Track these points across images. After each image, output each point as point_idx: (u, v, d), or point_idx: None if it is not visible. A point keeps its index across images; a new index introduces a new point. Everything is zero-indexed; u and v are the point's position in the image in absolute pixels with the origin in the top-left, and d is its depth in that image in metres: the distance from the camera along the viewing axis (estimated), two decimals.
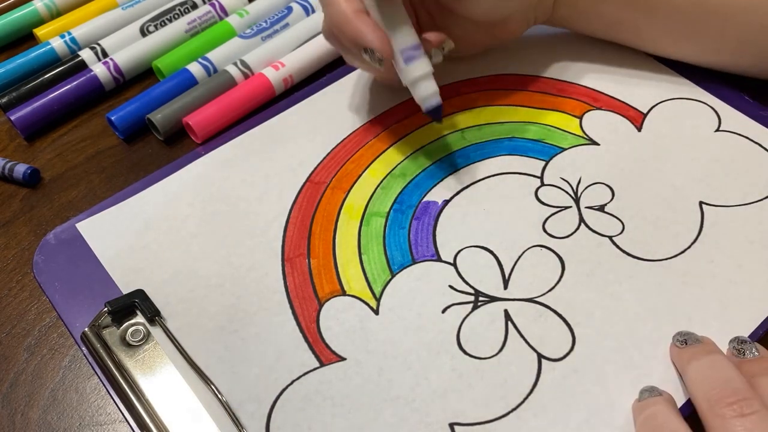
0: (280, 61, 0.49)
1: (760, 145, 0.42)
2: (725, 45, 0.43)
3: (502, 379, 0.34)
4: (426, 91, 0.39)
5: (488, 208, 0.40)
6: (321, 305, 0.37)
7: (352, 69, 0.48)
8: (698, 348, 0.32)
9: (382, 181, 0.42)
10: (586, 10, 0.44)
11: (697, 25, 0.42)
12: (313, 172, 0.43)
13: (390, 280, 0.37)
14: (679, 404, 0.32)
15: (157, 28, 0.52)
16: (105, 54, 0.51)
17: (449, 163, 0.43)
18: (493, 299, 0.36)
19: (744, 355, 0.31)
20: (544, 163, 0.42)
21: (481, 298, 0.36)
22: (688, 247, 0.38)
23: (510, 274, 0.37)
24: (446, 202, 0.41)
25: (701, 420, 0.29)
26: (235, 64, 0.49)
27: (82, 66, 0.50)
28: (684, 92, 0.46)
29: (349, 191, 0.42)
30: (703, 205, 0.40)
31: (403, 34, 0.38)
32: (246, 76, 0.49)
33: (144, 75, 0.51)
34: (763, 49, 0.42)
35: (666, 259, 0.38)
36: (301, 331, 0.36)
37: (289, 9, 0.53)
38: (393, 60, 0.39)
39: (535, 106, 0.46)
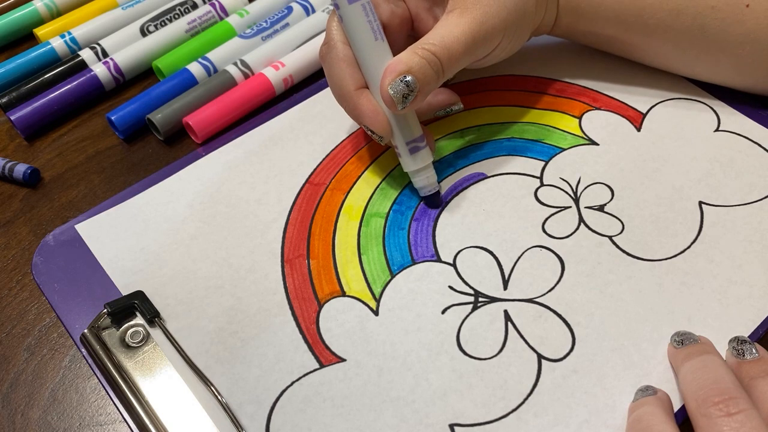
0: (280, 61, 0.49)
1: (760, 145, 0.42)
2: (720, 71, 0.43)
3: (502, 379, 0.34)
4: (427, 181, 0.40)
5: (488, 208, 0.40)
6: (321, 306, 0.37)
7: None
8: (693, 348, 0.32)
9: (381, 182, 0.42)
10: (584, 31, 0.44)
11: (694, 53, 0.42)
12: (312, 173, 0.43)
13: (390, 280, 0.37)
14: (678, 405, 0.32)
15: (157, 28, 0.52)
16: (105, 54, 0.51)
17: (448, 163, 0.43)
18: (492, 300, 0.36)
19: (743, 355, 0.31)
20: (543, 163, 0.42)
21: (480, 299, 0.37)
22: (688, 247, 0.38)
23: (510, 275, 0.37)
24: (445, 203, 0.41)
25: (690, 420, 0.29)
26: (235, 64, 0.49)
27: (82, 66, 0.50)
28: (683, 92, 0.46)
29: (348, 192, 0.42)
30: (703, 205, 0.40)
31: (409, 126, 0.39)
32: (246, 76, 0.49)
33: (144, 75, 0.52)
34: (757, 79, 0.42)
35: (666, 259, 0.38)
36: (301, 332, 0.36)
37: (289, 9, 0.53)
38: (393, 145, 0.40)
39: (534, 107, 0.46)
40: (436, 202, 0.41)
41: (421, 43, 0.37)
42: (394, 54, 0.37)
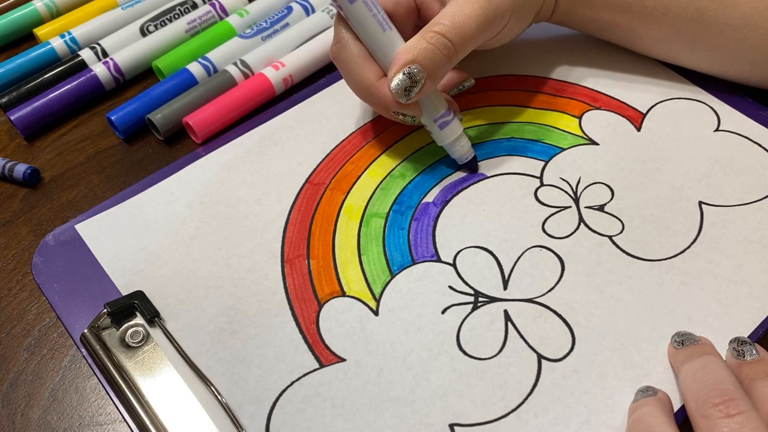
0: (280, 61, 0.49)
1: (760, 145, 0.42)
2: (718, 57, 0.43)
3: (502, 379, 0.34)
4: (463, 150, 0.41)
5: (488, 208, 0.40)
6: (321, 306, 0.37)
7: None
8: (693, 349, 0.32)
9: (381, 182, 0.42)
10: (582, 15, 0.44)
11: (691, 36, 0.42)
12: (312, 173, 0.43)
13: (390, 280, 0.37)
14: (678, 405, 0.32)
15: (157, 28, 0.52)
16: (105, 54, 0.51)
17: (449, 163, 0.43)
18: (492, 300, 0.36)
19: (744, 356, 0.31)
20: (543, 163, 0.42)
21: (480, 299, 0.37)
22: (688, 247, 0.38)
23: (510, 275, 0.37)
24: (445, 203, 0.41)
25: (690, 421, 0.29)
26: (235, 64, 0.49)
27: (82, 66, 0.50)
28: (683, 92, 0.46)
29: (348, 192, 0.42)
30: (703, 205, 0.40)
31: (433, 103, 0.39)
32: (246, 76, 0.49)
33: (144, 75, 0.52)
34: (756, 64, 0.42)
35: (666, 259, 0.38)
36: (301, 332, 0.36)
37: (289, 9, 0.53)
38: (422, 124, 0.40)
39: (534, 107, 0.46)
40: (475, 167, 0.42)
41: (431, 25, 0.37)
42: (406, 40, 0.38)
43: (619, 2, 0.42)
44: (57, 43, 0.51)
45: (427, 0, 0.41)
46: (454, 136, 0.40)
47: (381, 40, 0.37)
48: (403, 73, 0.36)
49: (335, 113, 0.46)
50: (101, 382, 0.35)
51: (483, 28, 0.38)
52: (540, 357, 0.34)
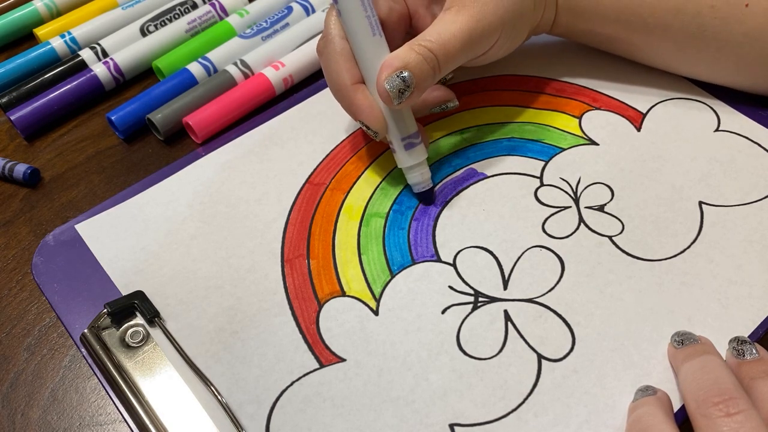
0: (280, 61, 0.49)
1: (760, 145, 0.42)
2: (719, 70, 0.43)
3: (502, 379, 0.34)
4: (421, 177, 0.40)
5: (488, 208, 0.40)
6: (321, 306, 0.37)
7: None
8: (693, 348, 0.32)
9: (381, 182, 0.42)
10: (582, 29, 0.44)
11: (692, 51, 0.42)
12: (312, 173, 0.43)
13: (390, 280, 0.37)
14: (678, 405, 0.32)
15: (157, 28, 0.52)
16: (105, 54, 0.51)
17: (448, 163, 0.43)
18: (492, 300, 0.36)
19: (743, 355, 0.31)
20: (543, 163, 0.42)
21: (480, 299, 0.36)
22: (688, 247, 0.38)
23: (510, 275, 0.37)
24: (445, 203, 0.41)
25: (690, 420, 0.29)
26: (235, 64, 0.49)
27: (82, 66, 0.50)
28: (683, 92, 0.46)
29: (348, 192, 0.42)
30: (703, 205, 0.40)
31: (405, 121, 0.39)
32: (246, 76, 0.49)
33: (144, 75, 0.52)
34: (757, 77, 0.42)
35: (666, 259, 0.38)
36: (301, 332, 0.36)
37: (289, 9, 0.53)
38: (388, 141, 0.40)
39: (534, 107, 0.46)
40: (430, 199, 0.41)
41: (418, 39, 0.37)
42: (392, 50, 0.37)
43: (620, 18, 0.42)
44: (57, 43, 0.51)
45: (419, 11, 0.41)
46: (418, 160, 0.40)
47: (367, 44, 0.37)
48: (397, 76, 0.36)
49: (335, 113, 0.46)
50: (101, 382, 0.35)
51: (467, 49, 0.38)
52: (540, 357, 0.34)
